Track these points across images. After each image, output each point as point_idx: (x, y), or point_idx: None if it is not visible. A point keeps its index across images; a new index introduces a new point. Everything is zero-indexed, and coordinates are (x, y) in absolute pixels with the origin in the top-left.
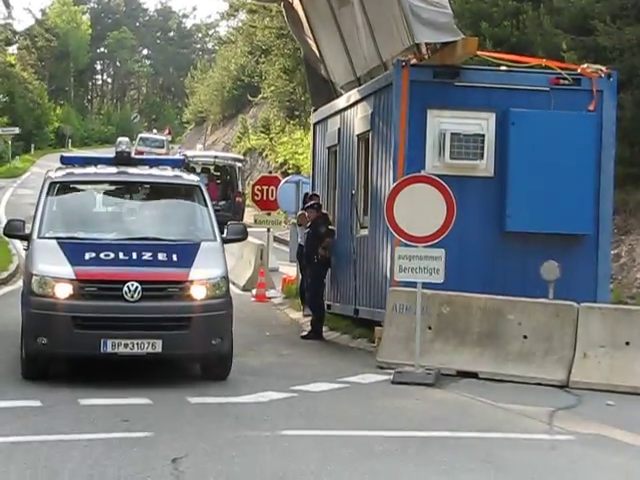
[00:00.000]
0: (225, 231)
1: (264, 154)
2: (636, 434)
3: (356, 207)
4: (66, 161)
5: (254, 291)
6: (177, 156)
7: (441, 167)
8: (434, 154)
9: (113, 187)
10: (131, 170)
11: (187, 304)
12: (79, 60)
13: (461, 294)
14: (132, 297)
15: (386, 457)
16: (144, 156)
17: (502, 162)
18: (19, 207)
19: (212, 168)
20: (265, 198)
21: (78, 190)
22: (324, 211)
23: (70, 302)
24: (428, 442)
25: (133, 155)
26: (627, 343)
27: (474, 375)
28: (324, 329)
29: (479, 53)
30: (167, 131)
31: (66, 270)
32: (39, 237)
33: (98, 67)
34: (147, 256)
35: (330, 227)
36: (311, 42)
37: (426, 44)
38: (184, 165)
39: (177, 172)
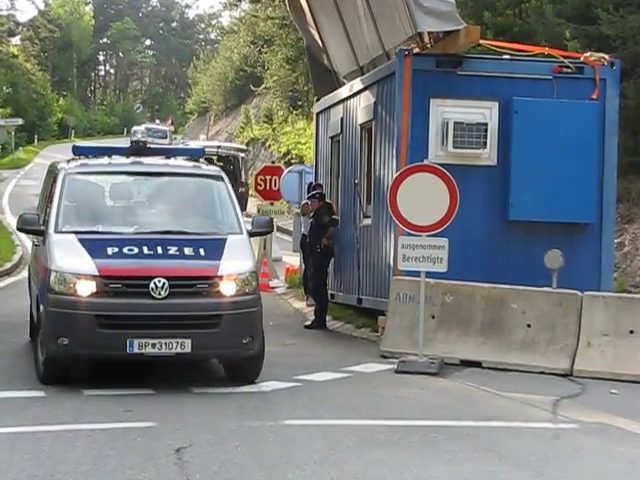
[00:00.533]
0: (250, 224)
1: (267, 144)
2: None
3: (359, 196)
4: (79, 151)
5: None
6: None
7: (444, 156)
8: (437, 143)
9: (131, 178)
10: (148, 160)
11: (217, 301)
12: (82, 51)
13: (465, 283)
14: (159, 294)
15: (389, 446)
16: (162, 145)
17: (505, 151)
18: (23, 198)
19: (215, 158)
20: (268, 188)
21: (95, 182)
22: (328, 200)
23: (93, 300)
24: (431, 431)
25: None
26: (631, 332)
27: (477, 364)
28: (327, 318)
29: (482, 42)
30: (170, 121)
31: (88, 266)
32: (56, 231)
33: (101, 58)
34: (173, 250)
35: (334, 217)
36: (314, 32)
37: (429, 33)
38: (204, 155)
39: (196, 162)
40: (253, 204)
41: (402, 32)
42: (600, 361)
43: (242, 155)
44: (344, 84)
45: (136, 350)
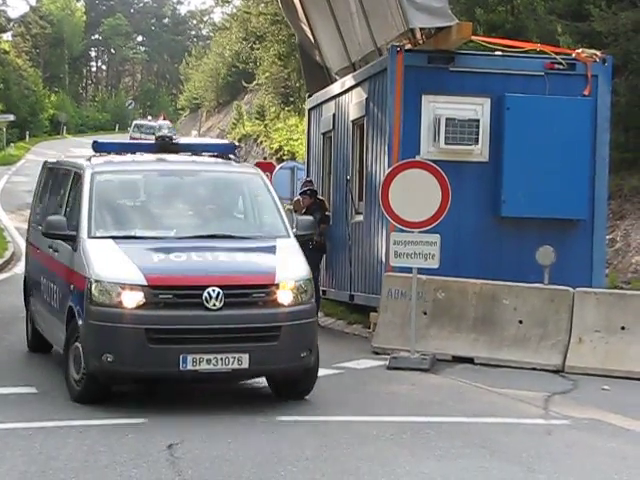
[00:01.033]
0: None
1: (259, 140)
2: (631, 419)
3: (351, 193)
4: (100, 148)
5: None
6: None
7: (436, 152)
8: (429, 139)
9: (165, 177)
10: (177, 158)
11: (275, 311)
12: (74, 47)
13: (456, 279)
14: (214, 305)
15: (381, 442)
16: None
17: (497, 147)
18: (15, 194)
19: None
20: None
21: (126, 182)
22: (320, 197)
23: (143, 312)
24: (423, 427)
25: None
26: (622, 328)
27: (470, 360)
28: (319, 315)
29: (474, 38)
30: (162, 118)
31: (135, 275)
32: (90, 237)
33: (93, 54)
34: (224, 257)
35: (327, 213)
36: (305, 28)
37: (420, 29)
38: (234, 151)
39: (228, 160)
40: None
41: (394, 28)
42: (592, 357)
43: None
44: (336, 80)
45: (190, 367)
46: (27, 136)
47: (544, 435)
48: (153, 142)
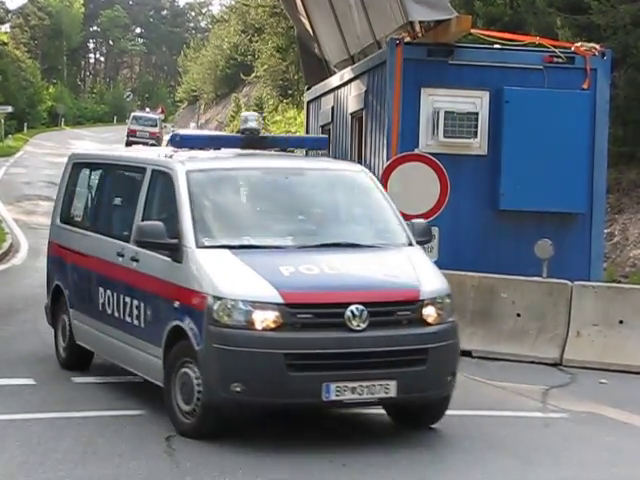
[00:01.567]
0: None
1: None
2: (629, 412)
3: None
4: (183, 142)
5: None
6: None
7: (435, 145)
8: (428, 132)
9: (267, 177)
10: (274, 154)
11: (421, 331)
12: (72, 39)
13: (454, 272)
14: (358, 325)
15: (378, 435)
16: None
17: (496, 140)
18: (13, 186)
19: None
20: None
21: (226, 182)
22: None
23: (280, 334)
24: None
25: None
26: (620, 322)
27: (467, 353)
28: None
29: (473, 31)
30: (160, 110)
31: (268, 291)
32: (199, 246)
33: (91, 46)
34: (359, 269)
35: None
36: (304, 20)
37: (420, 22)
38: (327, 145)
39: (326, 157)
40: None
41: (393, 21)
42: (590, 351)
43: None
44: (335, 73)
45: (333, 396)
46: (25, 128)
47: (542, 428)
48: (239, 136)
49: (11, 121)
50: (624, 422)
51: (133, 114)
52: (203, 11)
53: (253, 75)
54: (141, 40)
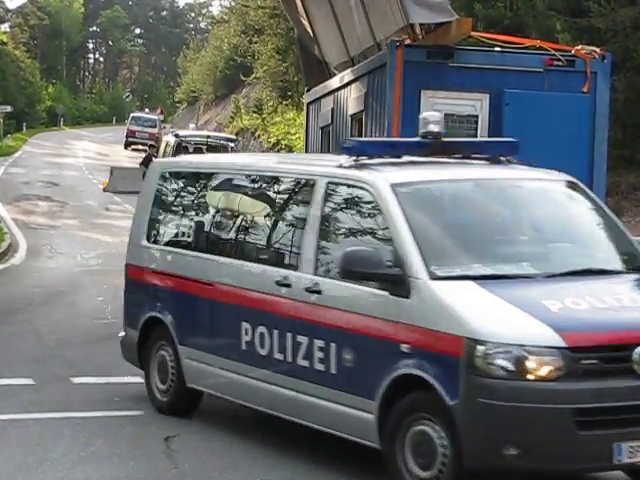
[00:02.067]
0: None
1: (256, 134)
2: None
3: None
4: (362, 149)
5: None
6: (507, 139)
7: None
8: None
9: (481, 190)
10: (473, 162)
11: None
12: (71, 39)
13: None
14: None
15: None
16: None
17: None
18: (12, 186)
19: (205, 148)
20: None
21: (437, 197)
22: None
23: (565, 386)
24: None
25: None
26: None
27: None
28: None
29: (473, 34)
30: (159, 110)
31: (543, 332)
32: (434, 278)
33: (90, 46)
34: (629, 300)
35: None
36: (304, 22)
37: (420, 24)
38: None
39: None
40: None
41: (393, 23)
42: None
43: (232, 145)
44: (335, 75)
45: (625, 459)
46: (24, 127)
47: None
48: (419, 141)
49: (10, 121)
50: None
51: (132, 115)
52: (203, 12)
53: (253, 76)
54: (141, 40)
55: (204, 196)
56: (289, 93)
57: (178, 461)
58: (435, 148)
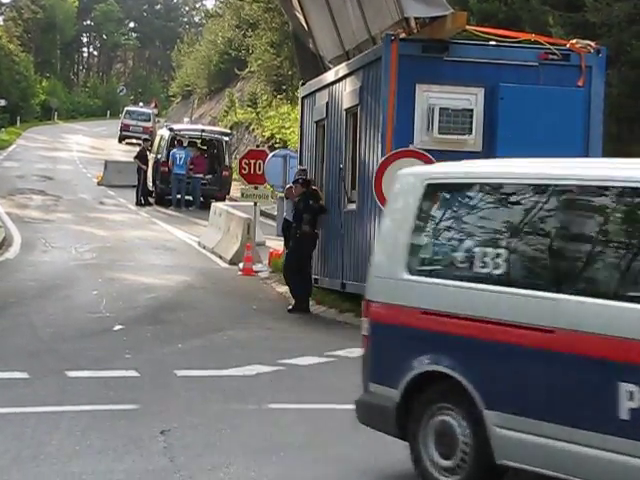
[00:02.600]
0: None
1: (251, 128)
2: None
3: (344, 181)
4: None
5: (241, 265)
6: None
7: (429, 142)
8: (422, 129)
9: None
10: None
11: None
12: (65, 32)
13: None
14: None
15: (372, 430)
16: None
17: (490, 137)
18: (6, 179)
19: (199, 142)
20: (252, 172)
21: None
22: (314, 187)
23: None
24: None
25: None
26: None
27: None
28: (311, 303)
29: (468, 28)
30: (153, 104)
31: None
32: None
33: (84, 40)
34: None
35: (312, 203)
36: (299, 16)
37: (415, 18)
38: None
39: None
40: (236, 188)
41: (388, 17)
42: None
43: (226, 139)
44: (330, 69)
45: None
46: (18, 121)
47: None
48: None
49: (4, 114)
50: None
51: (126, 108)
52: (197, 6)
53: (247, 70)
54: (135, 34)
55: (508, 214)
56: (283, 87)
57: (173, 455)
58: None
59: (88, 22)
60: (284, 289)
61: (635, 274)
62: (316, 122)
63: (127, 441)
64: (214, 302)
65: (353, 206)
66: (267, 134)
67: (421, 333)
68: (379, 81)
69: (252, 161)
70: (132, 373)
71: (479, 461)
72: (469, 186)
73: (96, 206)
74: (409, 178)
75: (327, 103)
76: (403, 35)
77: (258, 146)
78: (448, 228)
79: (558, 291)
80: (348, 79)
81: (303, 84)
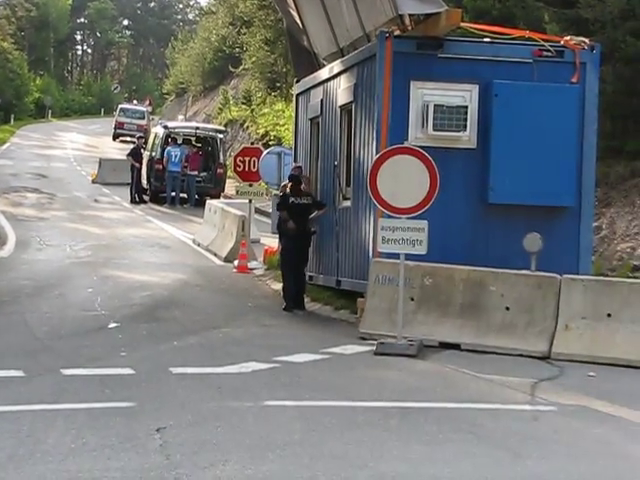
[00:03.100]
0: None
1: (245, 125)
2: (617, 405)
3: (339, 178)
4: None
5: (236, 262)
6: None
7: (424, 138)
8: (417, 125)
9: None
10: None
11: None
12: (59, 30)
13: (444, 266)
14: None
15: (369, 427)
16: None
17: (485, 134)
18: (1, 178)
19: (193, 139)
20: (247, 169)
21: None
22: (303, 186)
23: None
24: (410, 413)
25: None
26: (608, 315)
27: (456, 346)
28: (306, 300)
29: (462, 25)
30: (148, 102)
31: None
32: None
33: (78, 37)
34: None
35: (293, 201)
36: (294, 13)
37: (409, 15)
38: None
39: None
40: (231, 185)
41: (383, 14)
42: (578, 344)
43: (220, 136)
44: (324, 66)
45: None
46: (12, 119)
47: (531, 421)
48: None
49: None
50: (612, 415)
51: (120, 106)
52: (191, 3)
53: (241, 68)
54: (129, 32)
55: None
56: (278, 84)
57: (170, 452)
58: None
59: (82, 20)
60: (279, 286)
61: None
62: (311, 119)
63: (123, 439)
64: (209, 299)
65: (348, 203)
66: (261, 131)
67: None
68: (374, 78)
69: (247, 158)
70: (128, 371)
71: None
72: None
73: (90, 204)
74: None
75: (322, 100)
76: (397, 32)
77: (252, 143)
78: None
79: None
80: (343, 76)
81: (297, 81)
